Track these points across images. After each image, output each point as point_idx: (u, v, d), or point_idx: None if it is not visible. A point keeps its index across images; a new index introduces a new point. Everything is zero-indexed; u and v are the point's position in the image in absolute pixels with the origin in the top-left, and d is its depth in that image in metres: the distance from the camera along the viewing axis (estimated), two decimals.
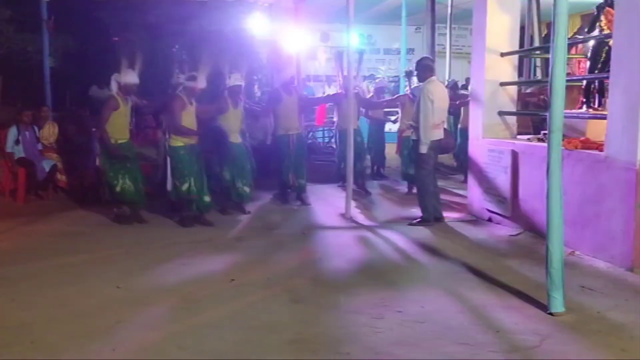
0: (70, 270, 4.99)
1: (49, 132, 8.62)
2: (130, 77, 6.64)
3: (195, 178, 6.62)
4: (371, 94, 10.25)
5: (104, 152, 6.74)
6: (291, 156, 7.85)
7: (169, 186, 6.69)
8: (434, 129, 6.52)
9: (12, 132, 7.99)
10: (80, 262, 5.24)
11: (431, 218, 6.70)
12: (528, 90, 9.24)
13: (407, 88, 9.19)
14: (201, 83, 6.69)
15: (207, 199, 6.78)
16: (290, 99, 7.97)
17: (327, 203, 8.11)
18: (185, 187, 6.55)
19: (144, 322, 3.85)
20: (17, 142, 8.00)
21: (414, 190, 8.86)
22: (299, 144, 8.04)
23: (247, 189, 7.32)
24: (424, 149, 6.54)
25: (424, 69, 6.73)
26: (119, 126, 6.68)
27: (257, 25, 11.70)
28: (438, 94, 6.58)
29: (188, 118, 6.62)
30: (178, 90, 6.73)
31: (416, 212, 6.98)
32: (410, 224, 6.69)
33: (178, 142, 6.58)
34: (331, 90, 15.26)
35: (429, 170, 6.70)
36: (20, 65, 10.87)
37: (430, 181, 6.73)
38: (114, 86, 6.71)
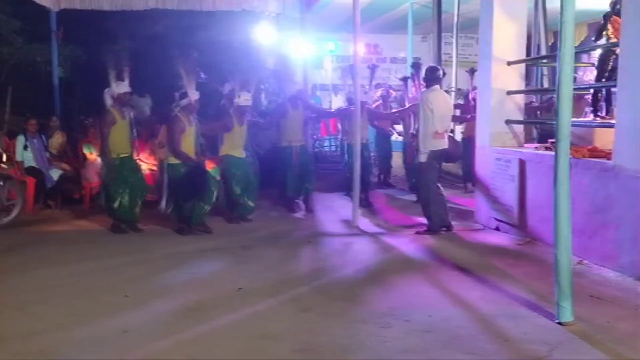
0: (79, 279, 5.00)
1: (58, 141, 8.69)
2: (123, 88, 6.60)
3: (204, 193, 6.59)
4: (378, 102, 10.26)
5: (106, 166, 6.83)
6: (295, 167, 7.89)
7: (163, 203, 6.75)
8: (435, 137, 6.52)
9: (20, 141, 8.06)
10: (89, 271, 5.25)
11: (437, 227, 6.68)
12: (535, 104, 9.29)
13: (412, 92, 9.17)
14: (193, 95, 6.62)
15: (251, 204, 7.28)
16: (296, 112, 8.04)
17: (333, 211, 8.12)
18: (187, 205, 6.57)
19: (151, 331, 3.85)
20: (25, 147, 8.07)
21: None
22: (303, 155, 8.09)
23: (251, 204, 7.40)
24: (422, 158, 6.54)
25: (429, 79, 6.74)
26: (119, 140, 6.65)
27: (264, 35, 11.75)
28: (439, 103, 6.58)
29: (188, 139, 6.61)
30: (176, 110, 6.65)
31: (422, 220, 6.97)
32: (417, 233, 6.68)
33: (172, 160, 6.61)
34: (338, 99, 15.27)
35: (431, 180, 6.68)
36: (29, 75, 10.96)
37: (434, 190, 6.71)
38: (108, 101, 6.64)
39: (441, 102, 6.64)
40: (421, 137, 6.52)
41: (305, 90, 8.78)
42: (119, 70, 6.57)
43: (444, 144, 6.64)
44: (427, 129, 6.49)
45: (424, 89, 6.80)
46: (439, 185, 6.85)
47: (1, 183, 7.21)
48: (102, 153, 6.81)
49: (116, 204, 6.67)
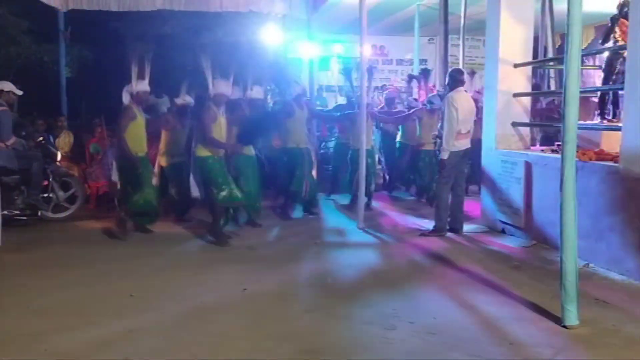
0: (85, 279, 5.02)
1: (65, 141, 8.73)
2: (143, 86, 6.54)
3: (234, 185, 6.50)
4: (382, 104, 10.24)
5: (123, 163, 6.61)
6: (304, 168, 7.84)
7: (194, 192, 6.71)
8: (458, 138, 6.55)
9: None
10: (95, 270, 5.28)
11: (444, 228, 6.69)
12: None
13: (418, 95, 9.12)
14: (227, 89, 6.59)
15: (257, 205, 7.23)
16: (302, 112, 8.00)
17: (339, 213, 8.13)
18: (223, 194, 6.34)
19: (157, 331, 3.86)
20: None
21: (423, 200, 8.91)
22: (308, 157, 8.06)
23: (257, 205, 7.34)
24: (445, 155, 6.57)
25: (454, 81, 6.74)
26: (137, 137, 6.53)
27: (270, 36, 11.77)
28: (462, 104, 6.61)
29: (218, 129, 6.45)
30: (208, 101, 6.55)
31: (427, 223, 6.97)
32: (422, 235, 6.68)
33: (205, 152, 6.41)
34: (342, 101, 15.25)
35: (447, 181, 6.70)
36: (36, 75, 11.02)
37: (448, 191, 6.74)
38: (126, 98, 6.59)
39: (465, 103, 6.67)
40: (445, 135, 6.56)
41: (304, 93, 8.67)
42: (140, 68, 6.49)
43: (466, 144, 6.69)
44: (451, 128, 6.52)
45: (450, 90, 6.71)
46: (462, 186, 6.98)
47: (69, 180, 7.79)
48: (120, 149, 6.58)
49: (138, 198, 6.47)
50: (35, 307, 4.30)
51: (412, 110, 8.94)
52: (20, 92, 7.42)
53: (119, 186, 6.83)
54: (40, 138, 7.82)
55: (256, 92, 7.28)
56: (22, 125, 8.34)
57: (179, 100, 7.41)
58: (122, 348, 3.57)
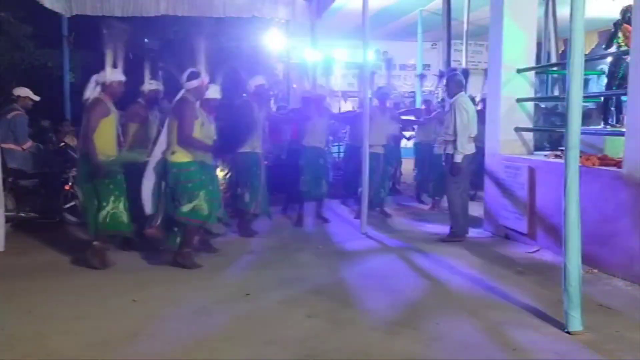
0: (87, 283, 5.02)
1: None
2: (117, 75, 5.49)
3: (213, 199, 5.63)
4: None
5: (86, 170, 5.47)
6: (313, 172, 7.70)
7: (148, 209, 5.54)
8: (469, 142, 6.58)
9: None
10: (97, 275, 5.27)
11: (463, 233, 6.72)
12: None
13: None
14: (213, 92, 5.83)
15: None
16: (321, 118, 7.78)
17: (343, 218, 8.12)
18: (185, 208, 5.42)
19: (158, 336, 3.86)
20: None
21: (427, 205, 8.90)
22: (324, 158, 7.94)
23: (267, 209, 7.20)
24: (459, 159, 6.53)
25: (456, 84, 6.73)
26: (108, 138, 5.48)
27: (274, 42, 11.79)
28: (470, 107, 6.65)
29: (202, 130, 5.54)
30: (182, 93, 5.51)
31: (433, 227, 6.97)
32: (443, 240, 6.65)
33: (184, 156, 5.44)
34: (347, 106, 15.25)
35: (459, 185, 6.70)
36: (40, 80, 11.04)
37: (460, 195, 6.74)
38: (93, 89, 5.49)
39: (471, 106, 6.72)
40: (460, 139, 6.51)
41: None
42: (115, 54, 5.48)
43: (473, 147, 6.69)
44: (465, 131, 6.51)
45: (453, 94, 6.71)
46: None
47: None
48: (84, 153, 5.45)
49: (105, 214, 5.43)
50: (37, 311, 4.29)
51: (434, 113, 8.94)
52: (37, 98, 7.51)
53: (80, 200, 5.90)
54: (62, 143, 7.82)
55: (213, 91, 6.04)
56: (45, 129, 8.40)
57: (145, 87, 6.40)
58: (124, 352, 3.56)
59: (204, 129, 5.60)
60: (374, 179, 7.83)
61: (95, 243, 5.51)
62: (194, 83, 5.48)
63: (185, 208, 5.43)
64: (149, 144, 6.09)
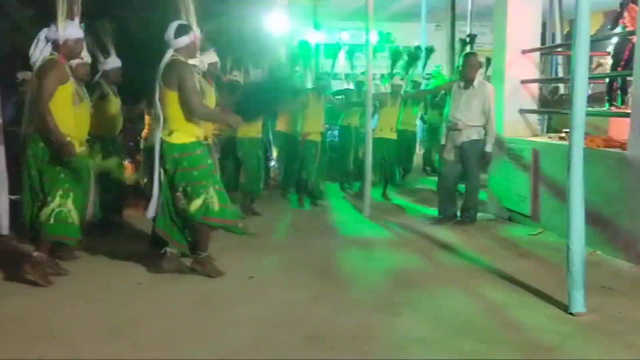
0: (92, 267, 5.03)
1: None
2: (74, 30, 4.38)
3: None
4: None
5: (34, 151, 4.31)
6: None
7: (150, 213, 4.57)
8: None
9: None
10: (102, 258, 5.28)
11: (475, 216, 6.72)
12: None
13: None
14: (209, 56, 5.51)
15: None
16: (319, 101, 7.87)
17: (345, 201, 8.13)
18: (196, 205, 4.45)
19: (163, 318, 3.88)
20: None
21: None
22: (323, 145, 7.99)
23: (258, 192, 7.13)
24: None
25: (476, 66, 6.57)
26: (65, 112, 4.34)
27: (276, 24, 11.70)
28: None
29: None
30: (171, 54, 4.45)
31: (433, 210, 7.00)
32: (457, 223, 6.58)
33: (187, 136, 4.46)
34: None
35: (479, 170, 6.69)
36: None
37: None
38: (41, 47, 4.35)
39: None
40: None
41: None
42: (70, 2, 4.37)
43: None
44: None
45: (471, 78, 6.48)
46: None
47: None
48: (38, 127, 4.27)
49: (48, 212, 4.31)
50: (41, 294, 4.31)
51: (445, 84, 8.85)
52: None
53: (23, 192, 4.50)
54: None
55: (211, 56, 6.00)
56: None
57: (103, 66, 5.91)
58: (130, 334, 3.59)
59: (205, 101, 4.84)
60: (312, 168, 7.69)
61: (35, 254, 4.37)
62: (185, 40, 4.44)
63: (194, 206, 4.43)
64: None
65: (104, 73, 5.97)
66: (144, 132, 6.64)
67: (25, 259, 4.43)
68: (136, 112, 6.57)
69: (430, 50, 10.48)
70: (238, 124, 4.86)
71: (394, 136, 8.18)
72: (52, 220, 4.32)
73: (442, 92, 8.46)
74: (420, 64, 9.81)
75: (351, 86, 10.03)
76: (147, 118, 6.55)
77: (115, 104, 5.96)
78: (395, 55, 8.85)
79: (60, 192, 4.33)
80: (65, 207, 4.34)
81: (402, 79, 8.49)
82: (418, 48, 9.83)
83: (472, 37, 9.27)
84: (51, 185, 4.33)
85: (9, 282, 4.51)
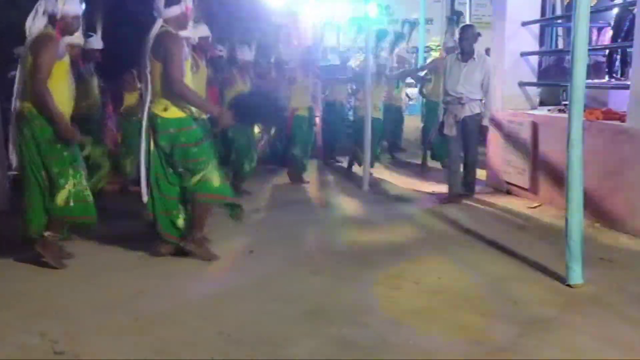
0: (93, 243, 5.03)
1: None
2: (74, 7, 4.15)
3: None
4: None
5: (34, 127, 4.08)
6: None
7: (144, 197, 4.39)
8: None
9: None
10: (102, 235, 5.28)
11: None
12: None
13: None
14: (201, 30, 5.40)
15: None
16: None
17: (344, 177, 8.13)
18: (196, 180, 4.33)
19: (165, 293, 3.91)
20: None
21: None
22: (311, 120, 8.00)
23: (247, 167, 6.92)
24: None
25: (473, 38, 6.44)
26: (62, 90, 4.13)
27: None
28: None
29: (192, 78, 4.48)
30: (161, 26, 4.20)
31: (432, 185, 6.99)
32: (461, 196, 6.51)
33: (177, 111, 4.25)
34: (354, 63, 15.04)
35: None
36: None
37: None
38: (38, 20, 4.08)
39: None
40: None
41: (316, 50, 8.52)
42: None
43: None
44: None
45: (471, 52, 6.35)
46: None
47: None
48: (24, 109, 4.08)
49: (66, 195, 4.17)
50: (45, 271, 4.33)
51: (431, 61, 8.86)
52: None
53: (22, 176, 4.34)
54: None
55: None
56: None
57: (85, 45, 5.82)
58: (131, 308, 3.62)
59: (197, 76, 4.68)
60: (300, 144, 7.65)
61: (46, 233, 4.27)
62: (175, 10, 4.21)
63: (194, 182, 4.30)
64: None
65: (83, 52, 5.92)
66: (123, 108, 6.64)
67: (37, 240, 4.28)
68: (125, 85, 6.60)
69: (412, 25, 10.48)
70: (228, 123, 4.68)
71: (379, 115, 8.03)
72: (71, 203, 4.18)
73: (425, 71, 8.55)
74: (403, 39, 9.90)
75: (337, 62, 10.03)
76: (125, 94, 6.55)
77: (92, 84, 5.99)
78: (381, 35, 8.88)
79: (71, 172, 4.18)
80: (80, 185, 4.22)
81: (386, 59, 8.59)
82: (414, 23, 9.86)
83: (458, 14, 9.31)
84: (59, 166, 4.13)
85: (11, 260, 4.53)
